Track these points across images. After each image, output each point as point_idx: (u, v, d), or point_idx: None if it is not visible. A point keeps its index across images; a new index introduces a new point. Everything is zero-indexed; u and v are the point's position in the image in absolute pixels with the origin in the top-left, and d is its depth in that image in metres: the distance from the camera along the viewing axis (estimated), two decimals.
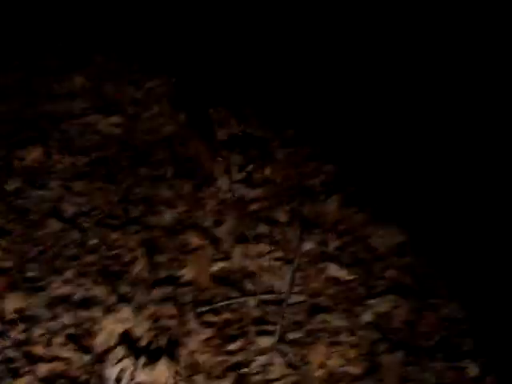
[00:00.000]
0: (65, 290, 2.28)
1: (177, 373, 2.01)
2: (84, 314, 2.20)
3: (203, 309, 2.20)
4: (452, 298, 2.26)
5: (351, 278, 2.33)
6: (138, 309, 2.20)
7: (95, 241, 2.47)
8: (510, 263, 2.33)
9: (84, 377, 2.00)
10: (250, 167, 2.83)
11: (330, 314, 2.21)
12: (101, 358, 2.06)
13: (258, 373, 2.04)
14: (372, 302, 2.24)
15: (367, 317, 2.20)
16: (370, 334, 2.14)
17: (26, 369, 2.00)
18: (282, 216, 2.58)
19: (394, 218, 2.58)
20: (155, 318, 2.17)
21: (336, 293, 2.29)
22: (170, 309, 2.20)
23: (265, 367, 2.04)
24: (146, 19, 3.85)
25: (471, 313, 2.22)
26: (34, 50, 3.63)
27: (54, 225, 2.52)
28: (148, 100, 3.19)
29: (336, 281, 2.33)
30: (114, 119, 3.05)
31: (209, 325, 2.15)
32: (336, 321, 2.20)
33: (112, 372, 2.01)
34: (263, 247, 2.44)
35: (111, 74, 3.38)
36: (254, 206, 2.62)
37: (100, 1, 4.00)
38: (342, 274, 2.33)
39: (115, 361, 2.04)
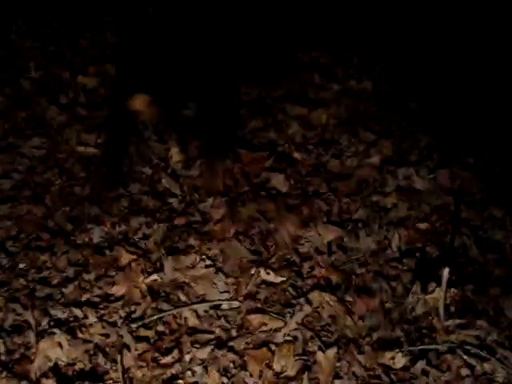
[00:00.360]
0: None
1: None
2: (17, 339, 2.18)
3: (136, 324, 2.21)
4: (377, 294, 2.34)
5: (281, 280, 2.38)
6: (72, 330, 2.20)
7: (24, 265, 2.45)
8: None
9: None
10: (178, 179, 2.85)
11: (265, 318, 2.26)
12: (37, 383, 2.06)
13: (195, 383, 2.07)
14: (302, 300, 2.29)
15: (299, 316, 2.25)
16: (302, 333, 2.20)
17: None
18: (211, 225, 2.60)
19: (322, 218, 2.64)
20: (89, 339, 2.17)
21: (268, 296, 2.33)
22: (103, 327, 2.20)
23: (201, 377, 2.08)
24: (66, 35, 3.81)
25: (396, 298, 2.31)
26: None
27: None
28: (70, 120, 3.15)
29: (267, 284, 2.37)
30: (37, 140, 3.01)
31: (143, 339, 2.17)
32: (271, 323, 2.24)
33: None
34: (194, 257, 2.46)
35: (31, 94, 3.33)
36: (183, 219, 2.64)
37: (20, 18, 3.94)
38: (272, 277, 2.38)
39: None
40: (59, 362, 2.11)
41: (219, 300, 2.31)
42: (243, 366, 2.11)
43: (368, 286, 2.37)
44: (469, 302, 2.27)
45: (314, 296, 2.31)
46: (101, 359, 2.12)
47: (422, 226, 2.60)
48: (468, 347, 2.13)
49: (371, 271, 2.42)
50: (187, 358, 2.13)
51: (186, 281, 2.37)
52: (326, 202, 2.71)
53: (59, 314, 2.26)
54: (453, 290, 2.26)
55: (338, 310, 2.28)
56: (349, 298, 2.32)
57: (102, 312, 2.26)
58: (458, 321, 2.20)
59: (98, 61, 3.54)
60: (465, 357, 2.11)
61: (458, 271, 2.33)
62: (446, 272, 2.14)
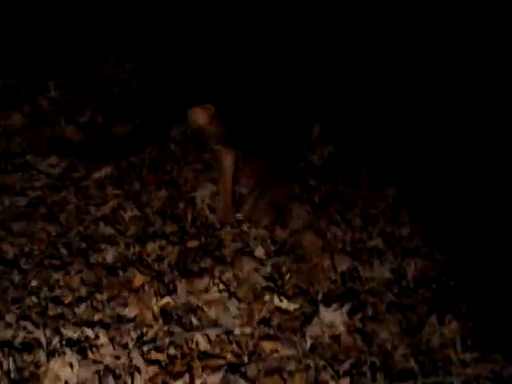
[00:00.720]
0: (6, 334, 2.25)
1: None
2: (27, 357, 2.17)
3: (148, 346, 2.19)
4: (391, 324, 2.31)
5: (294, 307, 2.35)
6: (83, 350, 2.18)
7: (37, 282, 2.45)
8: None
9: None
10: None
11: (277, 344, 2.23)
12: None
13: None
14: (314, 329, 2.26)
15: (311, 344, 2.22)
16: (315, 362, 2.16)
17: None
18: (225, 251, 2.59)
19: (337, 246, 2.62)
20: (100, 360, 2.15)
21: (281, 323, 2.31)
22: (114, 349, 2.18)
23: None
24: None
25: (411, 329, 2.28)
26: None
27: None
28: (87, 140, 3.17)
29: (280, 311, 2.35)
30: (54, 159, 3.03)
31: (154, 362, 2.14)
32: (283, 350, 2.21)
33: None
34: (208, 281, 2.44)
35: (50, 113, 3.35)
36: (195, 242, 2.63)
37: (36, 36, 3.98)
38: (286, 304, 2.36)
39: None
40: (69, 382, 2.10)
41: (232, 325, 2.29)
42: None
43: (382, 316, 2.33)
44: (485, 335, 2.23)
45: (327, 325, 2.28)
46: (111, 381, 2.09)
47: (438, 255, 2.57)
48: (483, 381, 2.10)
49: (386, 301, 2.39)
50: (198, 382, 2.10)
51: (199, 304, 2.35)
52: (341, 231, 2.70)
53: (70, 333, 2.24)
54: (470, 322, 2.24)
55: (351, 339, 2.24)
56: (363, 328, 2.28)
57: (114, 333, 2.24)
58: (474, 354, 2.16)
59: (118, 83, 3.57)
60: None
61: (475, 303, 2.30)
62: (463, 304, 2.12)
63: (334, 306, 2.34)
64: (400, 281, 2.47)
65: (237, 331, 2.27)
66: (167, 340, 2.21)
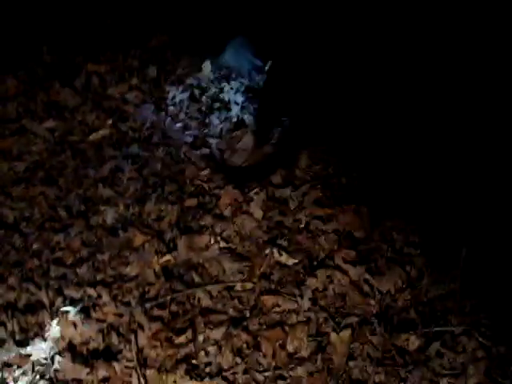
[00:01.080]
0: (9, 296, 2.28)
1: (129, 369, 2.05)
2: (31, 319, 2.20)
3: (150, 304, 2.21)
4: (391, 270, 2.31)
5: (294, 261, 2.36)
6: (86, 310, 2.20)
7: (38, 245, 2.46)
8: None
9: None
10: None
11: (278, 299, 2.24)
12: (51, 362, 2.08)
13: (208, 363, 2.07)
14: (315, 282, 2.27)
15: (312, 298, 2.23)
16: (316, 315, 2.18)
17: None
18: (224, 209, 2.59)
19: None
20: (103, 318, 2.18)
21: (282, 277, 2.32)
22: (117, 307, 2.21)
23: (215, 358, 2.07)
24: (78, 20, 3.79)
25: (411, 281, 2.29)
26: None
27: None
28: (83, 103, 3.15)
29: (281, 266, 2.36)
30: (50, 123, 3.01)
31: (156, 319, 2.16)
32: (284, 304, 2.23)
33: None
34: (208, 238, 2.45)
35: (44, 77, 3.32)
36: (194, 201, 2.63)
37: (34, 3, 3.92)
38: (286, 258, 2.36)
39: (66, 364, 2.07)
40: (73, 341, 2.13)
41: (233, 281, 2.30)
42: (257, 347, 2.10)
43: (382, 270, 2.33)
44: (484, 283, 2.25)
45: (328, 278, 2.29)
46: (114, 338, 2.13)
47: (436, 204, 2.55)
48: (483, 329, 2.12)
49: (385, 256, 2.39)
50: (201, 338, 2.13)
51: (200, 261, 2.36)
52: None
53: (73, 293, 2.27)
54: (469, 270, 2.24)
55: (352, 292, 2.26)
56: (363, 281, 2.29)
57: (116, 292, 2.26)
58: (473, 302, 2.18)
59: (111, 48, 3.52)
60: (480, 338, 2.10)
61: (474, 251, 2.30)
62: (463, 253, 2.12)
63: (335, 260, 2.35)
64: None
65: (238, 287, 2.28)
66: (169, 297, 2.23)
